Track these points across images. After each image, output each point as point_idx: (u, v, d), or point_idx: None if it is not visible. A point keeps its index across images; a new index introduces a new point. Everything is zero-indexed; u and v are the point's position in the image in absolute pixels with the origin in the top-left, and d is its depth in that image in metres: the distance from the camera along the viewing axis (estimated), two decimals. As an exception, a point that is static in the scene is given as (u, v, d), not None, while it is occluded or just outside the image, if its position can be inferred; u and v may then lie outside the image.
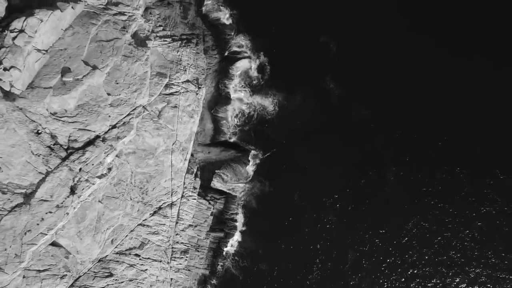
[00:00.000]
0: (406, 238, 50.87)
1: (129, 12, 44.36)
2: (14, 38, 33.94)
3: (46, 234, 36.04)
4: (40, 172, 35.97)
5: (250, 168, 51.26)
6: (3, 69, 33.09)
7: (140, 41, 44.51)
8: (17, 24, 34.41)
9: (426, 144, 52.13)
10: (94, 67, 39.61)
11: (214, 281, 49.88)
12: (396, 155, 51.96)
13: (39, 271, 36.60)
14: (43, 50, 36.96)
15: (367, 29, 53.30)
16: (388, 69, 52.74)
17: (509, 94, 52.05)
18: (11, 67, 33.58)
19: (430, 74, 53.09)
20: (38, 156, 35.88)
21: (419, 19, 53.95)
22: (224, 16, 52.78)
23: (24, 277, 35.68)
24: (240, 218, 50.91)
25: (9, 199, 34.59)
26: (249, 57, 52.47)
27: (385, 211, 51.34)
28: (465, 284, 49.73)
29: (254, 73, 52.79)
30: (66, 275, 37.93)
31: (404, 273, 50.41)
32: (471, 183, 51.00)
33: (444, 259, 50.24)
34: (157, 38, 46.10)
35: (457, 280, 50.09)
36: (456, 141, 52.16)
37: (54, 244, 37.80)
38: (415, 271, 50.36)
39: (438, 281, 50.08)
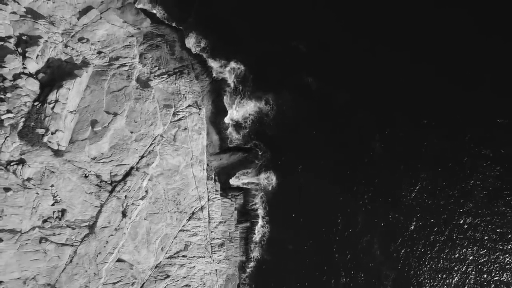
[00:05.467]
0: (413, 203, 57.55)
1: (128, 63, 51.07)
2: (52, 108, 41.81)
3: (113, 253, 43.18)
4: (96, 206, 43.69)
5: (258, 164, 57.44)
6: (51, 133, 41.79)
7: (143, 83, 51.20)
8: (52, 96, 41.88)
9: (400, 115, 59.68)
10: (115, 114, 46.14)
11: (250, 266, 56.53)
12: (378, 127, 59.09)
13: (114, 283, 44.43)
14: (74, 111, 44.99)
15: (330, 30, 60.56)
16: (352, 59, 59.80)
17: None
18: (56, 130, 41.83)
19: (389, 58, 60.47)
20: (91, 194, 44.10)
21: (370, 13, 61.69)
22: (200, 45, 60.28)
23: (104, 290, 44.32)
24: (260, 208, 57.23)
25: (78, 232, 42.26)
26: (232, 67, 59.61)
27: (382, 176, 57.67)
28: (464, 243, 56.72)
29: (240, 83, 59.35)
30: (135, 282, 46.42)
31: (406, 231, 57.07)
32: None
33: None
34: (156, 77, 53.09)
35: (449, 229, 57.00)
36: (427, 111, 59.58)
37: (119, 260, 44.84)
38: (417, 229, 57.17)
39: (435, 239, 56.86)
